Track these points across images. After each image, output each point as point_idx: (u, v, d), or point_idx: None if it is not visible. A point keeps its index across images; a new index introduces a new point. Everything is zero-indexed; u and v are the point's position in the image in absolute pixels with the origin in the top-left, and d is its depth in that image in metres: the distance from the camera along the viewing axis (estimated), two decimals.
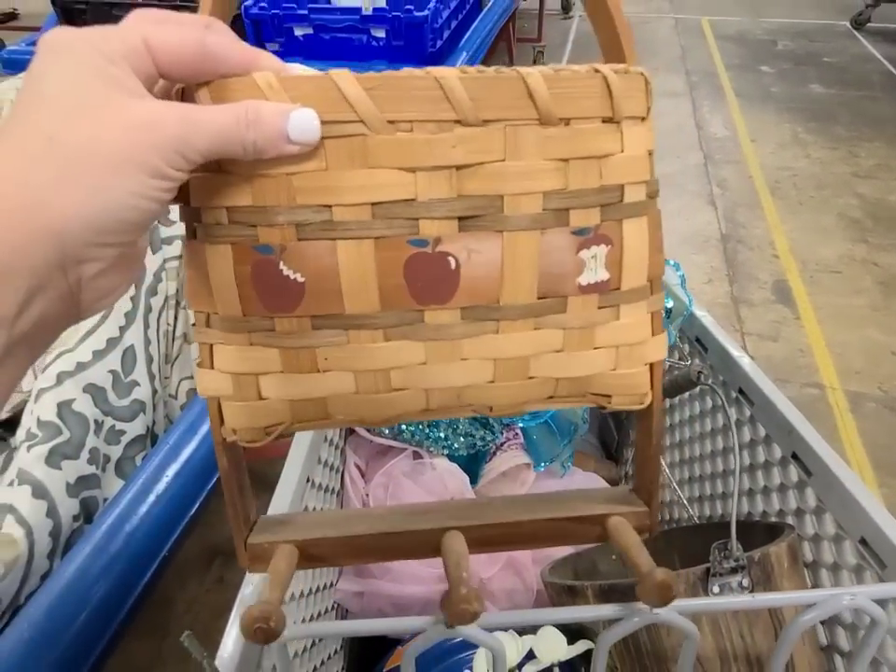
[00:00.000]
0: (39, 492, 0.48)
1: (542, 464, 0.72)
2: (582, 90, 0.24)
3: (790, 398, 0.54)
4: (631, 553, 0.27)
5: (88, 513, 0.52)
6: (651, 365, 0.28)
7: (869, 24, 3.57)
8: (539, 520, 0.30)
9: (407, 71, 0.23)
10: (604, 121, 0.25)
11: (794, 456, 0.54)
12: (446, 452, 0.70)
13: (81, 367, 0.54)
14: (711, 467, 0.67)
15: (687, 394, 0.72)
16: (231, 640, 0.39)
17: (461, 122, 0.24)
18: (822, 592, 0.29)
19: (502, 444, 0.72)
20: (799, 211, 2.17)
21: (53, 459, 0.50)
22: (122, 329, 0.59)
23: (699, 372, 0.57)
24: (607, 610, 0.29)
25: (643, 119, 0.26)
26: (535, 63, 2.99)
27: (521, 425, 0.70)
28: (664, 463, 0.72)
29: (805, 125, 2.64)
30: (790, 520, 0.55)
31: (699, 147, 2.50)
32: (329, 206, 0.24)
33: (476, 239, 0.25)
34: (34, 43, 0.74)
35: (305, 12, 1.39)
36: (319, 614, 0.58)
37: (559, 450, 0.72)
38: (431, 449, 0.69)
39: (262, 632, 0.25)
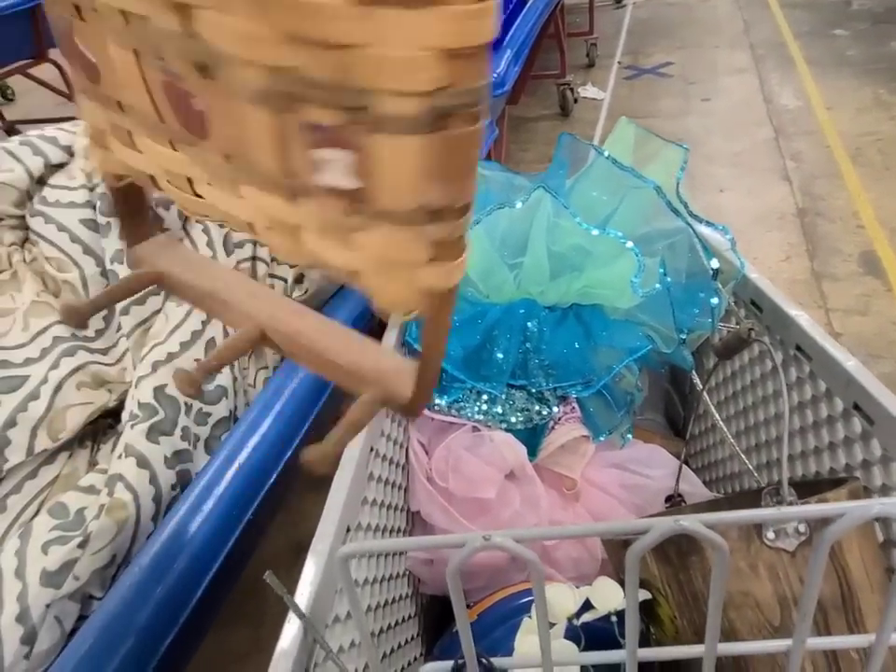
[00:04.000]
0: (142, 462, 0.55)
1: (600, 436, 0.73)
2: None
3: (885, 374, 0.52)
4: (351, 427, 0.29)
5: (183, 484, 0.59)
6: (426, 291, 0.25)
7: None
8: (317, 352, 0.32)
9: None
10: (356, 5, 0.19)
11: (856, 407, 0.52)
12: (504, 426, 0.72)
13: (171, 356, 0.62)
14: (776, 430, 0.66)
15: (747, 358, 0.71)
16: (308, 580, 0.44)
17: None
18: (851, 503, 0.30)
19: (560, 418, 0.73)
20: (885, 177, 2.02)
21: (153, 435, 0.57)
22: (204, 324, 0.66)
23: (750, 329, 0.56)
24: (632, 526, 0.31)
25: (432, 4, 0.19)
26: (587, 56, 2.97)
27: (575, 395, 0.72)
28: (728, 433, 0.71)
29: (888, 86, 2.46)
30: (858, 474, 0.53)
31: (769, 122, 2.38)
32: (124, 12, 0.25)
33: (211, 88, 0.25)
34: None
35: None
36: (395, 599, 0.62)
37: (617, 421, 0.73)
38: (489, 424, 0.72)
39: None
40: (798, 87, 2.59)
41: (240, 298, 0.35)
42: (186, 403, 0.60)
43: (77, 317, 0.36)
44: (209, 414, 0.63)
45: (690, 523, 0.30)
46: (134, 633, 0.46)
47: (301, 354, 0.33)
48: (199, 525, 0.52)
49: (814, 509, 0.30)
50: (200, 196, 0.30)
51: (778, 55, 2.87)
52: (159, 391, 0.59)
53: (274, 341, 0.33)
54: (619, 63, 3.02)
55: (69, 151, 0.71)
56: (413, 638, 0.67)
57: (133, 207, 0.38)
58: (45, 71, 2.19)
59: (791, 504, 0.45)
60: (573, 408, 0.74)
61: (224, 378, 0.65)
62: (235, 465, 0.56)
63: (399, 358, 0.33)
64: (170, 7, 0.23)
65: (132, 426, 0.57)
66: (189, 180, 0.30)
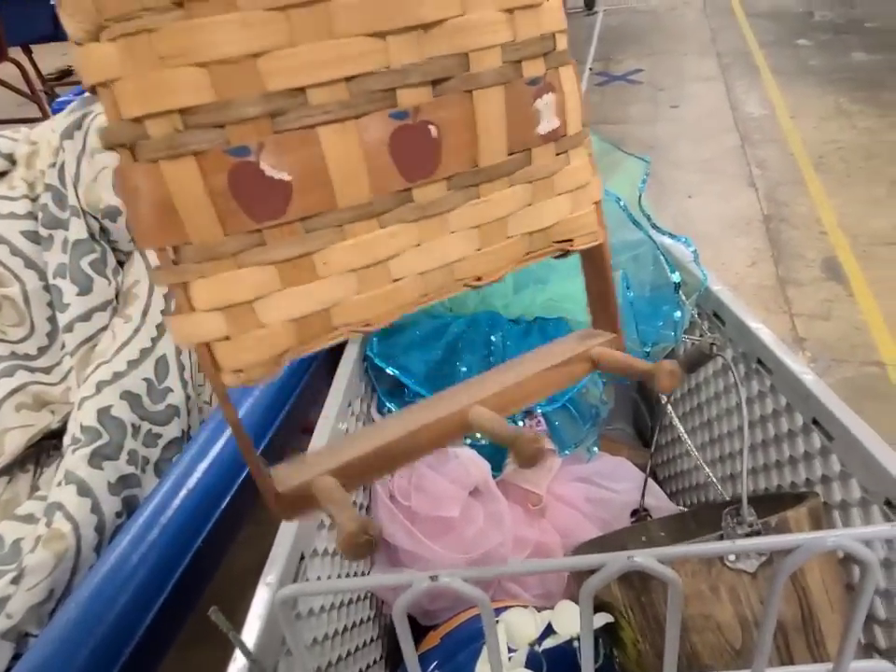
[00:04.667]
0: (83, 490, 0.52)
1: (566, 450, 0.72)
2: None
3: (848, 378, 0.52)
4: (627, 360, 0.30)
5: (130, 510, 0.56)
6: (595, 203, 0.31)
7: None
8: (538, 373, 0.31)
9: None
10: None
11: (815, 422, 0.52)
12: (469, 441, 0.71)
13: (118, 376, 0.59)
14: (740, 442, 0.66)
15: (711, 370, 0.70)
16: (257, 613, 0.42)
17: None
18: (807, 535, 0.29)
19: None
20: (847, 184, 2.07)
21: (95, 460, 0.54)
22: (154, 340, 0.63)
23: (711, 344, 0.56)
24: (586, 562, 0.29)
25: None
26: None
27: (540, 410, 0.71)
28: (692, 445, 0.71)
29: (850, 95, 2.52)
30: (818, 489, 0.53)
31: (735, 129, 2.43)
32: (303, 89, 0.22)
33: (450, 103, 0.25)
34: (81, 92, 0.83)
35: None
36: (356, 623, 0.60)
37: (582, 434, 0.72)
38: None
39: (368, 542, 0.23)
40: (763, 95, 2.65)
41: (429, 414, 0.29)
42: (133, 425, 0.58)
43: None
44: (159, 436, 0.61)
45: (644, 559, 0.29)
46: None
47: (524, 395, 0.31)
48: (143, 556, 0.49)
49: (769, 541, 0.30)
50: (397, 280, 0.26)
51: (744, 63, 2.93)
52: (103, 413, 0.56)
53: (487, 409, 0.29)
54: (590, 69, 3.05)
55: (10, 159, 0.68)
56: (375, 662, 0.65)
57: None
58: (4, 70, 2.12)
59: (751, 525, 0.44)
60: (538, 421, 0.73)
61: (176, 397, 0.63)
62: (184, 489, 0.53)
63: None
64: (408, 37, 0.24)
65: (73, 450, 0.54)
66: (387, 268, 0.26)
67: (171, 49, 0.21)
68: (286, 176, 0.22)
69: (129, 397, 0.58)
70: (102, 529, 0.53)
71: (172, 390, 0.63)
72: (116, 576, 0.48)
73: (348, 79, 0.23)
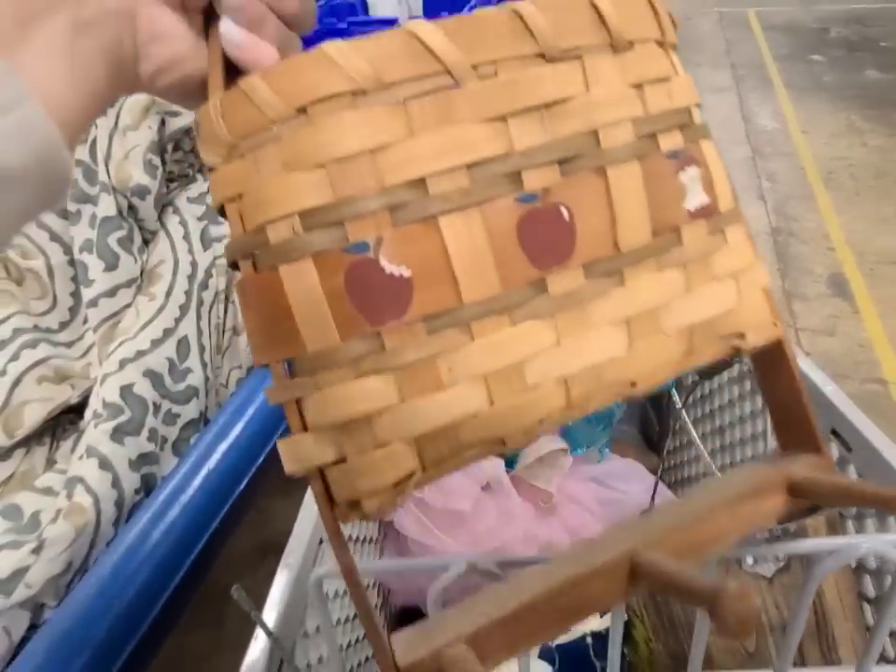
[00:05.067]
0: (105, 464, 0.52)
1: (578, 449, 0.72)
2: (637, 11, 0.25)
3: (850, 394, 0.53)
4: (860, 485, 0.25)
5: (148, 488, 0.56)
6: (764, 291, 0.27)
7: None
8: (724, 506, 0.26)
9: (479, 11, 0.22)
10: (657, 44, 0.25)
11: (834, 433, 0.53)
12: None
13: (140, 354, 0.59)
14: (752, 450, 0.66)
15: (726, 377, 0.71)
16: (277, 597, 0.42)
17: (544, 56, 0.22)
18: (841, 539, 0.29)
19: None
20: (856, 202, 2.08)
21: (117, 436, 0.54)
22: (177, 321, 0.63)
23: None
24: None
25: (674, 47, 0.27)
26: None
27: None
28: (704, 451, 0.72)
29: (862, 112, 2.53)
30: None
31: (746, 142, 2.43)
32: (423, 179, 0.21)
33: (582, 182, 0.23)
34: None
35: (345, 26, 1.45)
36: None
37: (596, 435, 0.72)
38: None
39: None
40: (776, 108, 2.65)
41: (583, 562, 0.24)
42: (154, 403, 0.58)
43: None
44: (178, 416, 0.61)
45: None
46: (90, 646, 0.44)
47: (709, 535, 0.26)
48: (163, 534, 0.50)
49: (804, 545, 0.30)
50: (534, 386, 0.23)
51: (758, 76, 2.94)
52: (126, 390, 0.56)
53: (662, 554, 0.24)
54: None
55: None
56: None
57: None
58: None
59: (770, 531, 0.45)
60: None
61: (195, 378, 0.63)
62: (204, 470, 0.54)
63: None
64: (531, 118, 0.22)
65: (95, 425, 0.54)
66: (521, 372, 0.22)
67: (293, 154, 0.21)
68: (405, 272, 0.21)
69: (151, 375, 0.58)
70: (121, 505, 0.53)
71: (192, 371, 0.63)
72: (135, 553, 0.48)
73: (469, 166, 0.21)
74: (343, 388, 0.21)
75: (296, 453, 0.22)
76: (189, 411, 0.62)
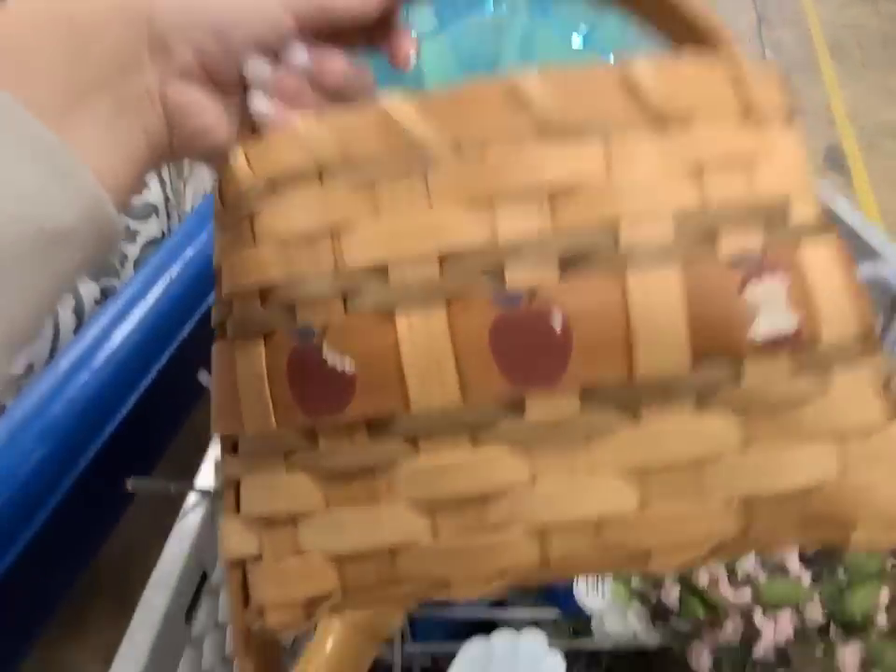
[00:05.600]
0: None
1: None
2: (703, 80, 0.19)
3: None
4: None
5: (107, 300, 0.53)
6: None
7: None
8: None
9: (469, 84, 0.19)
10: (738, 115, 0.19)
11: None
12: None
13: None
14: None
15: None
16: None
17: (547, 133, 0.18)
18: None
19: None
20: (862, 74, 1.97)
21: None
22: None
23: None
24: None
25: (787, 121, 0.20)
26: None
27: None
28: None
29: None
30: None
31: (753, 8, 2.27)
32: (384, 266, 0.18)
33: (587, 286, 0.18)
34: None
35: None
36: None
37: None
38: None
39: None
40: None
41: None
42: None
43: None
44: (137, 232, 0.57)
45: None
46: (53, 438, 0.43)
47: None
48: (126, 337, 0.48)
49: None
50: (497, 530, 0.19)
51: None
52: None
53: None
54: None
55: None
56: None
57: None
58: None
59: None
60: None
61: (154, 196, 0.59)
62: (167, 277, 0.51)
63: None
64: (526, 208, 0.18)
65: None
66: (482, 508, 0.19)
67: (261, 229, 0.20)
68: (349, 366, 0.18)
69: None
70: (80, 312, 0.50)
71: (149, 187, 0.58)
72: (98, 349, 0.46)
73: (441, 257, 0.18)
74: (271, 479, 0.20)
75: (229, 538, 0.21)
76: (150, 229, 0.59)
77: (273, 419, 0.19)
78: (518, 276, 0.18)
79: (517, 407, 0.18)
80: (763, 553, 0.18)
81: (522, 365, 0.18)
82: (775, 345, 0.18)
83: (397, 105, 0.19)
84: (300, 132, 0.19)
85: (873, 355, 0.19)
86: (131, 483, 0.37)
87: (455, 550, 0.19)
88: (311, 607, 0.19)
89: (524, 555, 0.19)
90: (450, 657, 0.38)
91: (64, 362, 0.44)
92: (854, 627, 0.37)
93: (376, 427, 0.18)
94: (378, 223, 0.18)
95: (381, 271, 0.18)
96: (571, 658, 0.42)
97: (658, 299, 0.18)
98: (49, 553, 0.42)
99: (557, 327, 0.18)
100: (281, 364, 0.19)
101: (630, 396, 0.18)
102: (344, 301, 0.19)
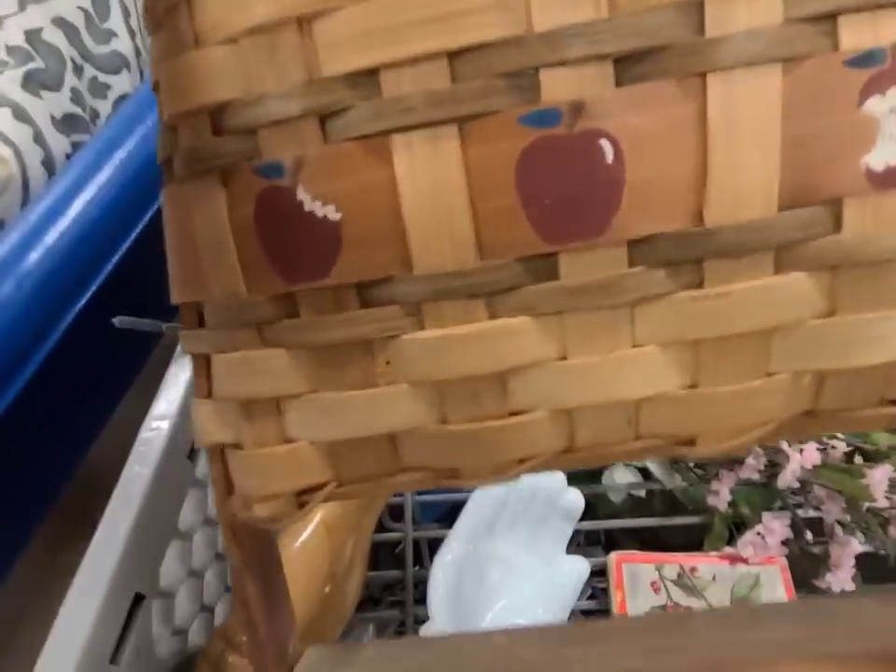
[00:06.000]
0: (20, 115, 0.47)
1: None
2: None
3: None
4: None
5: None
6: None
7: None
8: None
9: None
10: None
11: None
12: None
13: None
14: None
15: None
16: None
17: None
18: None
19: None
20: None
21: (30, 86, 0.47)
22: None
23: None
24: None
25: None
26: None
27: None
28: None
29: None
30: None
31: None
32: (376, 70, 0.13)
33: (651, 100, 0.13)
34: None
35: None
36: None
37: None
38: None
39: None
40: None
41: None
42: (73, 60, 0.50)
43: None
44: (108, 86, 0.53)
45: None
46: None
47: None
48: (100, 185, 0.45)
49: None
50: (516, 413, 0.15)
51: None
52: (32, 35, 0.48)
53: None
54: None
55: None
56: None
57: (272, 592, 0.20)
58: None
59: None
60: None
61: (122, 44, 0.54)
62: (141, 125, 0.47)
63: None
64: None
65: (1, 72, 0.46)
66: (500, 388, 0.15)
67: (203, 19, 0.14)
68: (332, 213, 0.14)
69: (63, 24, 0.49)
70: (51, 166, 0.47)
71: (117, 35, 0.53)
72: (72, 198, 0.43)
73: (452, 55, 0.13)
74: (246, 356, 0.16)
75: (202, 422, 0.17)
76: (121, 83, 0.54)
77: (243, 283, 0.15)
78: (557, 84, 0.13)
79: (547, 267, 0.14)
80: (831, 434, 0.16)
81: (558, 211, 0.13)
82: (892, 180, 0.13)
83: None
84: None
85: None
86: (118, 321, 0.35)
87: (467, 436, 0.15)
88: (303, 497, 0.17)
89: (546, 442, 0.16)
90: None
91: (39, 208, 0.42)
92: (879, 456, 0.36)
93: (369, 291, 0.15)
94: (365, 8, 0.13)
95: (371, 78, 0.14)
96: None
97: (746, 113, 0.13)
98: (38, 413, 0.41)
99: (609, 156, 0.13)
100: (247, 212, 0.15)
101: (693, 250, 0.14)
102: (322, 124, 0.14)
